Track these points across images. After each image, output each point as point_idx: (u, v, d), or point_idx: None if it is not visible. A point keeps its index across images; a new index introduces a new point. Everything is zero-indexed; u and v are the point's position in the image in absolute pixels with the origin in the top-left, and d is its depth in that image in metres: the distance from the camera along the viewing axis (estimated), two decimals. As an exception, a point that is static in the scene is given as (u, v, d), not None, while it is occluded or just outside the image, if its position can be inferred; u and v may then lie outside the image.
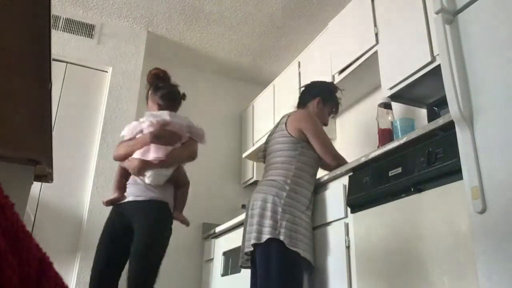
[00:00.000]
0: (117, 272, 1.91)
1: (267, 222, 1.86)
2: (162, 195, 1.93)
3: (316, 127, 2.09)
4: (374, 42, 2.52)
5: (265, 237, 1.83)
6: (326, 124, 2.25)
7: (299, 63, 3.47)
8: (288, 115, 2.15)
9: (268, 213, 1.87)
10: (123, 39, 3.63)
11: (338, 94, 2.36)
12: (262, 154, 2.24)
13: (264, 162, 2.19)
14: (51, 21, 0.73)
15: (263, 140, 2.36)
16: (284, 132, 2.08)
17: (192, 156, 2.05)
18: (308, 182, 2.00)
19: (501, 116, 1.20)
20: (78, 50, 3.43)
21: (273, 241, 1.82)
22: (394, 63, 2.34)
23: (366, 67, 2.67)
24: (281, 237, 1.81)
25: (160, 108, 2.17)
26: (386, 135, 2.22)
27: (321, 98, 2.22)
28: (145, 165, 1.93)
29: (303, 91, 2.34)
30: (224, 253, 3.11)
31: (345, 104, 3.26)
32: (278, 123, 2.19)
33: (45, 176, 1.38)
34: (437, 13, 1.39)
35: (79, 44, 3.45)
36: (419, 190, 1.54)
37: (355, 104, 3.21)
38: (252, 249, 1.90)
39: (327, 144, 2.10)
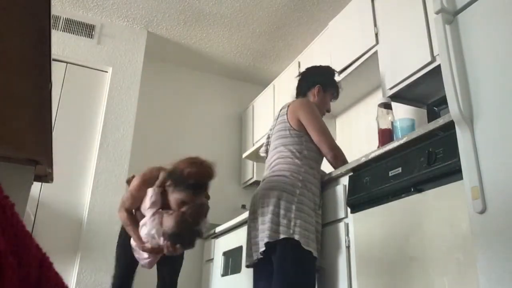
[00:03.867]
0: None
1: (281, 221, 1.78)
2: None
3: (312, 115, 1.98)
4: (374, 42, 2.52)
5: (281, 236, 1.77)
6: (329, 111, 2.19)
7: (299, 63, 3.47)
8: (288, 105, 2.07)
9: (282, 212, 1.80)
10: (123, 39, 3.63)
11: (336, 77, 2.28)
12: (265, 149, 2.16)
13: (266, 157, 2.12)
14: (51, 21, 0.73)
15: (263, 140, 2.34)
16: (286, 125, 2.00)
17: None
18: (316, 178, 1.95)
19: (501, 116, 1.20)
20: (78, 50, 3.43)
21: (288, 241, 1.76)
22: (394, 63, 2.34)
23: (366, 67, 2.67)
24: (296, 237, 1.76)
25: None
26: (386, 135, 2.22)
27: (320, 86, 2.14)
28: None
29: (300, 79, 2.24)
30: (224, 253, 3.11)
31: (345, 104, 3.26)
32: (279, 115, 2.10)
33: (45, 176, 1.39)
34: (437, 13, 1.39)
35: (79, 44, 3.45)
36: (419, 190, 1.54)
37: (355, 104, 3.21)
38: (264, 248, 1.81)
39: (324, 133, 1.97)
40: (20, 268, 0.49)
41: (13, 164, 1.23)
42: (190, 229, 1.99)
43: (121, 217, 2.13)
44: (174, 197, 2.02)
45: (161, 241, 1.98)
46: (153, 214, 2.02)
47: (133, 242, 2.10)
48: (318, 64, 2.35)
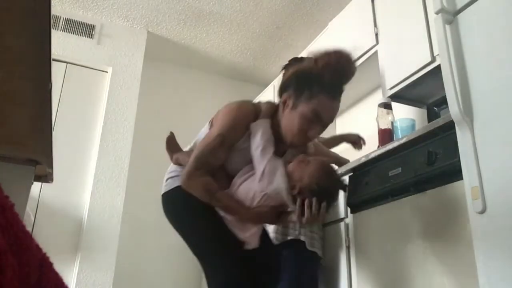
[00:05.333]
0: None
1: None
2: None
3: None
4: (374, 42, 2.52)
5: (287, 238, 1.75)
6: None
7: (299, 63, 3.47)
8: None
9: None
10: (123, 39, 3.63)
11: None
12: None
13: None
14: (51, 21, 0.73)
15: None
16: None
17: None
18: None
19: (501, 116, 1.20)
20: (78, 50, 3.43)
21: (294, 242, 1.76)
22: (394, 63, 2.33)
23: (366, 67, 2.67)
24: (302, 238, 1.76)
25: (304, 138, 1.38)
26: (386, 135, 2.21)
27: None
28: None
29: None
30: (224, 253, 3.11)
31: (345, 104, 3.26)
32: None
33: (45, 176, 1.38)
34: (437, 13, 1.39)
35: (79, 44, 3.45)
36: (419, 190, 1.54)
37: (355, 104, 3.21)
38: None
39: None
40: (20, 268, 0.49)
41: (13, 164, 1.23)
42: (337, 180, 1.40)
43: (196, 184, 1.31)
44: (298, 113, 1.32)
45: (282, 195, 1.31)
46: (270, 160, 1.32)
47: (227, 216, 1.36)
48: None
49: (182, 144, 1.59)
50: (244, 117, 1.36)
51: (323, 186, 1.29)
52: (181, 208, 1.42)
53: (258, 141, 1.33)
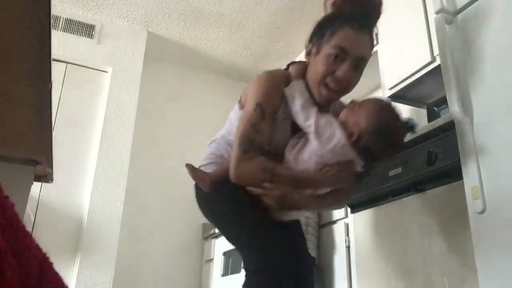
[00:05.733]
0: None
1: None
2: None
3: None
4: (374, 42, 2.52)
5: None
6: None
7: (299, 63, 3.47)
8: None
9: None
10: (123, 39, 3.63)
11: None
12: None
13: None
14: (51, 21, 0.73)
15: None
16: None
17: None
18: None
19: (501, 116, 1.20)
20: (78, 50, 3.43)
21: None
22: (394, 63, 2.33)
23: (366, 67, 2.66)
24: None
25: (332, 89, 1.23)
26: (386, 135, 2.22)
27: None
28: None
29: None
30: (224, 253, 3.11)
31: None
32: None
33: (45, 176, 1.39)
34: (437, 13, 1.39)
35: (79, 44, 3.45)
36: (419, 190, 1.54)
37: (355, 104, 3.22)
38: None
39: None
40: (20, 268, 0.49)
41: (13, 164, 1.23)
42: (399, 114, 1.23)
43: (250, 168, 1.14)
44: (322, 55, 1.21)
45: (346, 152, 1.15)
46: (318, 115, 1.19)
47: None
48: None
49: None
50: (277, 81, 1.23)
51: (385, 121, 1.14)
52: (216, 196, 1.26)
53: (297, 103, 1.20)
